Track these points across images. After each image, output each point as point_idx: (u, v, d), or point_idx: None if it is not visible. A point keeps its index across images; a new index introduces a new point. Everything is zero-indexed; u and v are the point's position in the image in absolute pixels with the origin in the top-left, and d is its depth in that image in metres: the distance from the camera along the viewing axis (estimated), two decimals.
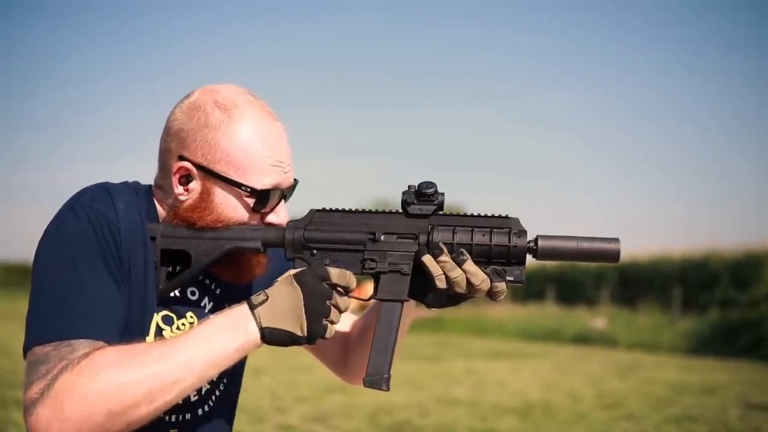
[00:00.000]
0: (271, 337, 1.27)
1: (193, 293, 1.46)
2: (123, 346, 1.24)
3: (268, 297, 1.28)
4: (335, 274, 1.29)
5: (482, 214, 1.32)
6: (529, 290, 23.12)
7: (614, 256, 1.29)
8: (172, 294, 1.42)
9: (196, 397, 1.45)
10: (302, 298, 1.26)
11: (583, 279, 21.65)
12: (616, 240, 1.29)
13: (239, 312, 1.28)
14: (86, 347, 1.22)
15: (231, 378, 1.51)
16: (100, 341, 1.24)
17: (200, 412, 1.46)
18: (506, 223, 1.31)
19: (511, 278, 1.30)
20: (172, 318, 1.41)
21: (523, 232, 1.30)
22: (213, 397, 1.48)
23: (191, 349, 1.24)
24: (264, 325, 1.26)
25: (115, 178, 1.44)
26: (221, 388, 1.49)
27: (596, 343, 15.63)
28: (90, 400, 1.17)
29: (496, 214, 1.32)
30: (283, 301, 1.27)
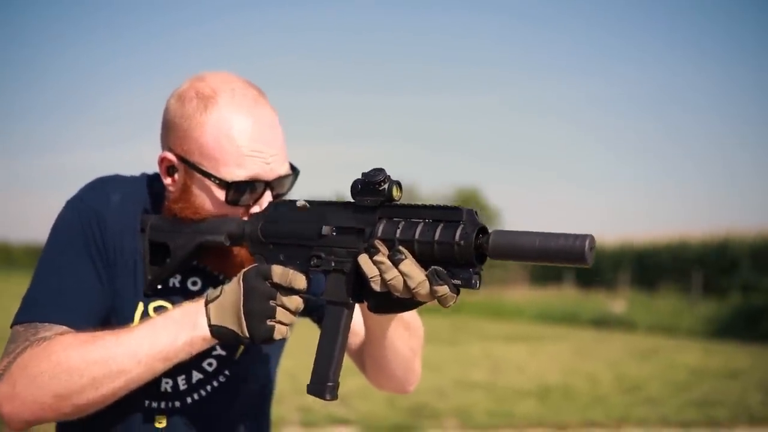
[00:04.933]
0: (219, 334, 1.22)
1: (194, 283, 1.43)
2: (82, 333, 1.25)
3: (221, 293, 1.22)
4: (277, 272, 1.19)
5: (438, 205, 1.11)
6: (548, 273, 23.03)
7: (579, 256, 1.01)
8: (170, 284, 1.41)
9: (185, 386, 1.42)
10: (242, 296, 1.19)
11: (602, 262, 21.53)
12: (584, 237, 1.01)
13: (195, 306, 1.24)
14: (48, 331, 1.26)
15: (240, 372, 1.47)
16: (64, 326, 1.27)
17: (189, 400, 1.43)
18: (457, 216, 1.08)
19: (459, 281, 1.08)
20: (167, 308, 1.38)
21: (474, 227, 1.06)
22: (208, 387, 1.44)
23: (138, 340, 1.22)
24: (212, 322, 1.21)
25: (118, 164, 1.44)
26: (221, 380, 1.45)
27: (615, 327, 15.55)
28: (38, 382, 1.20)
29: (452, 205, 1.09)
30: (229, 298, 1.21)
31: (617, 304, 17.41)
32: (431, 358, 9.35)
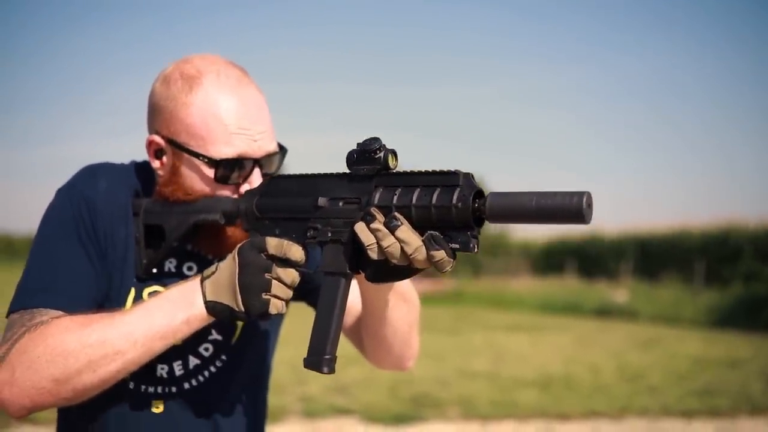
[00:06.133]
0: (214, 311, 1.21)
1: (190, 268, 1.43)
2: (78, 316, 1.25)
3: (216, 269, 1.22)
4: (272, 244, 1.18)
5: (435, 170, 1.09)
6: (550, 263, 23.05)
7: (577, 213, 0.98)
8: (166, 269, 1.41)
9: (182, 371, 1.42)
10: (237, 270, 1.19)
11: (605, 252, 21.52)
12: (581, 194, 0.98)
13: (191, 285, 1.24)
14: (44, 315, 1.26)
15: (236, 357, 1.46)
16: (59, 311, 1.27)
17: (186, 386, 1.43)
18: (454, 180, 1.06)
19: (456, 245, 1.07)
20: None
21: (471, 190, 1.05)
22: (205, 373, 1.44)
23: (134, 321, 1.21)
24: (208, 298, 1.21)
25: (119, 155, 1.44)
26: (218, 365, 1.44)
27: (617, 317, 15.55)
28: (35, 366, 1.19)
29: (448, 170, 1.08)
30: (224, 273, 1.20)
31: (619, 293, 17.41)
32: (433, 347, 9.38)
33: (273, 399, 1.62)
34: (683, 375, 8.12)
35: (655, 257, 20.21)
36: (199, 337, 1.36)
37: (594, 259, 21.74)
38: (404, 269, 1.13)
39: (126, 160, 1.48)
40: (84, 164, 1.43)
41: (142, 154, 1.41)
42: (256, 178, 1.35)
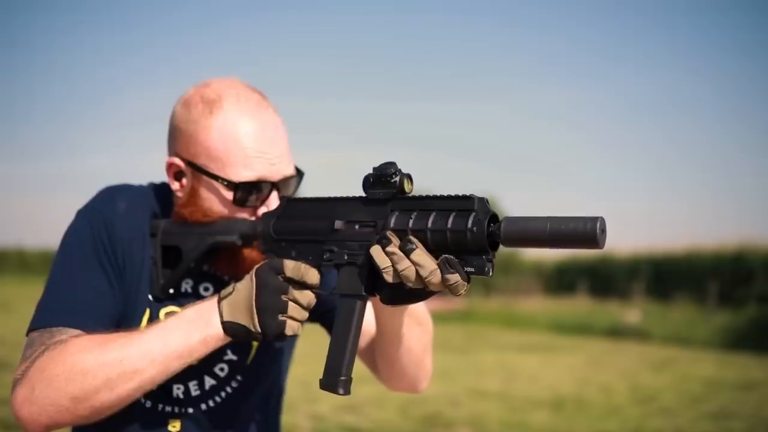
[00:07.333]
0: (231, 331, 1.23)
1: (206, 289, 1.44)
2: (96, 335, 1.26)
3: (233, 290, 1.24)
4: (290, 266, 1.21)
5: (450, 195, 1.11)
6: (561, 283, 22.96)
7: (591, 239, 1.00)
8: (183, 289, 1.42)
9: (198, 392, 1.43)
10: (254, 292, 1.21)
11: (617, 272, 21.43)
12: (595, 220, 1.00)
13: (208, 305, 1.25)
14: (64, 334, 1.27)
15: (251, 377, 1.47)
16: (78, 330, 1.29)
17: (203, 407, 1.44)
18: (469, 205, 1.08)
19: (472, 269, 1.08)
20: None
21: (486, 214, 1.07)
22: (222, 393, 1.45)
23: (152, 340, 1.23)
24: (225, 318, 1.22)
25: (134, 169, 1.47)
26: (234, 385, 1.46)
27: (629, 337, 15.44)
28: (55, 384, 1.21)
29: (463, 194, 1.10)
30: (242, 294, 1.22)
31: (632, 314, 17.30)
32: (444, 366, 9.33)
33: (284, 417, 1.63)
34: (696, 397, 8.05)
35: (667, 277, 20.10)
36: (214, 357, 1.37)
37: (606, 279, 21.63)
38: (419, 292, 1.14)
39: (148, 175, 1.51)
40: (101, 177, 1.45)
41: (160, 162, 1.43)
42: (273, 201, 1.36)
